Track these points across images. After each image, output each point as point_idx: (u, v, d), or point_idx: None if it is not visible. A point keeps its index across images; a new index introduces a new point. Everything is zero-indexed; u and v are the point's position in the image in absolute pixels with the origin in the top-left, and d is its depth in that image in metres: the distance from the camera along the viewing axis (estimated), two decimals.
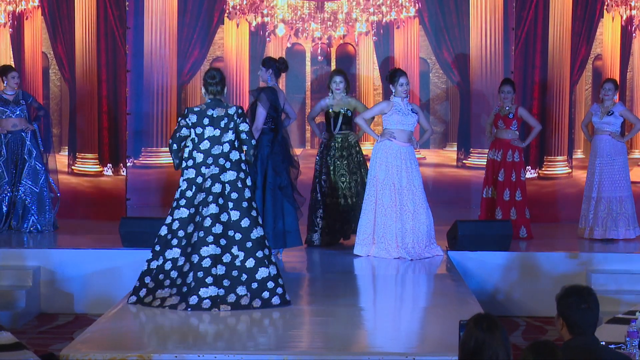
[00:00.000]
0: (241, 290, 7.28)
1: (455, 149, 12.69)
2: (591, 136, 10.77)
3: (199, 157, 7.43)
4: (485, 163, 11.13)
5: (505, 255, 9.72)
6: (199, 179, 7.43)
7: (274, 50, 12.50)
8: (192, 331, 6.79)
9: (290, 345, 6.31)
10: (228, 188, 7.41)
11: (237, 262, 7.30)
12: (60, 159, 12.45)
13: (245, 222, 7.39)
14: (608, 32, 12.43)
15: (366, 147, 12.14)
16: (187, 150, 7.53)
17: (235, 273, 7.29)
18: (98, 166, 12.32)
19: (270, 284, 7.33)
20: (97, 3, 12.19)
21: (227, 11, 12.68)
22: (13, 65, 11.77)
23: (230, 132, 7.46)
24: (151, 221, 10.00)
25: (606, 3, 12.32)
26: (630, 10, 12.39)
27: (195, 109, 7.52)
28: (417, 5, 12.55)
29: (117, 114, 12.18)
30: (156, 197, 12.73)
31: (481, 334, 4.15)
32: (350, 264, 9.46)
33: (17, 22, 12.57)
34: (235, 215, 7.38)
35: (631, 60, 12.43)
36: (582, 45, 12.29)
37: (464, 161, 12.62)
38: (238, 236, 7.34)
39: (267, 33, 12.72)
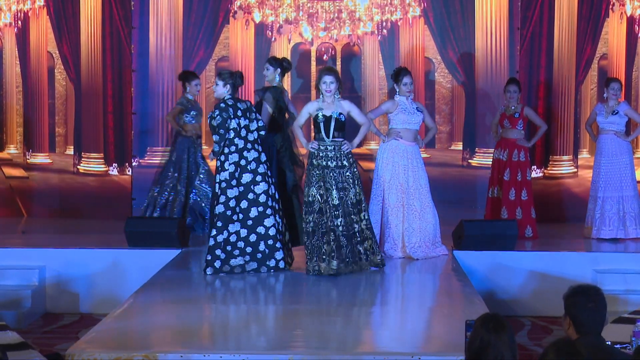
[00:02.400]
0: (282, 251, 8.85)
1: (461, 148, 12.69)
2: (596, 136, 10.75)
3: (241, 144, 8.67)
4: (490, 162, 11.12)
5: (511, 254, 9.71)
6: (243, 162, 8.66)
7: (279, 49, 12.50)
8: (197, 331, 6.79)
9: (295, 345, 6.30)
10: (265, 167, 8.83)
11: (281, 228, 8.85)
12: (66, 159, 12.47)
13: (277, 194, 8.91)
14: (613, 32, 12.42)
15: (371, 147, 12.15)
16: (228, 139, 8.69)
17: (280, 236, 8.79)
18: (103, 166, 12.34)
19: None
20: (102, 3, 12.21)
21: (233, 11, 12.69)
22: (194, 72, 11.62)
23: (255, 121, 8.83)
24: (156, 221, 10.02)
25: (611, 2, 12.30)
26: (635, 9, 12.37)
27: (230, 103, 8.71)
28: (422, 4, 12.55)
29: (123, 114, 12.20)
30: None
31: (487, 334, 4.14)
32: None
33: (23, 22, 12.59)
34: (272, 189, 8.83)
35: (637, 60, 12.41)
36: (588, 44, 12.28)
37: (469, 160, 12.62)
38: (277, 205, 8.85)
39: (272, 33, 12.72)
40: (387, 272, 9.12)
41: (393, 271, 9.15)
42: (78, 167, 12.40)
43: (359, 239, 8.81)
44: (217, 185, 8.65)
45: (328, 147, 8.78)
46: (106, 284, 9.57)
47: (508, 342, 4.16)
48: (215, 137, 8.68)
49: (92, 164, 12.36)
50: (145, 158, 12.65)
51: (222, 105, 8.67)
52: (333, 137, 8.78)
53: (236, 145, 8.66)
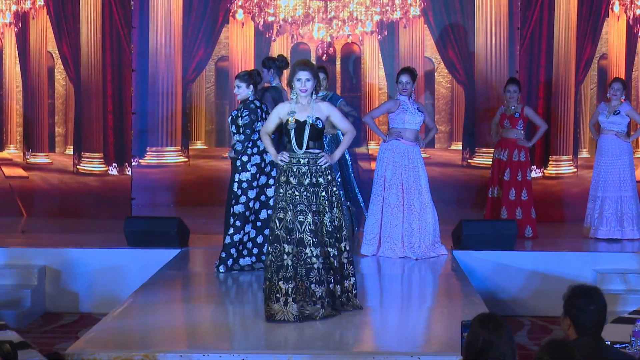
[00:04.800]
0: None
1: (461, 148, 12.69)
2: (598, 135, 10.74)
3: (262, 145, 8.63)
4: (490, 162, 11.13)
5: (510, 254, 9.71)
6: (262, 164, 8.78)
7: (278, 49, 12.50)
8: (197, 330, 6.79)
9: (295, 345, 6.30)
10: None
11: None
12: (66, 159, 12.47)
13: None
14: (613, 32, 12.42)
15: (371, 147, 12.14)
16: (251, 140, 8.75)
17: None
18: (103, 165, 12.33)
19: None
20: (102, 2, 12.19)
21: (232, 11, 12.69)
22: None
23: None
24: (156, 220, 10.01)
25: (611, 2, 12.30)
26: (635, 9, 12.37)
27: (257, 105, 8.78)
28: (422, 4, 12.55)
29: (122, 114, 12.19)
30: (161, 197, 12.75)
31: (488, 334, 4.14)
32: (356, 263, 9.43)
33: (23, 22, 12.58)
34: None
35: (636, 60, 12.41)
36: (588, 44, 12.28)
37: (469, 160, 12.62)
38: None
39: (271, 32, 12.72)
40: (387, 272, 9.13)
41: (392, 271, 9.15)
42: (78, 166, 12.40)
43: (338, 276, 7.09)
44: (236, 184, 8.73)
45: (301, 159, 7.03)
46: (106, 283, 9.57)
47: (508, 341, 4.16)
48: (239, 137, 8.71)
49: (92, 164, 12.35)
50: (145, 158, 12.65)
51: (252, 106, 8.74)
52: (307, 147, 7.03)
53: (258, 147, 8.75)
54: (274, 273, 6.88)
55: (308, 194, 6.96)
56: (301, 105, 7.05)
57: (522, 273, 9.65)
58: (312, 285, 6.86)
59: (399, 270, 9.18)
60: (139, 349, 6.07)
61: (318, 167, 7.02)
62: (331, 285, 6.97)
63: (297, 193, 6.97)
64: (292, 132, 7.00)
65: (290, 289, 6.82)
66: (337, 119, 7.18)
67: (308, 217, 6.93)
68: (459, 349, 5.33)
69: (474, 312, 6.02)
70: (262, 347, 6.27)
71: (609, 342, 4.92)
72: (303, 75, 6.99)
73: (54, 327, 9.02)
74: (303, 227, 6.91)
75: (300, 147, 7.00)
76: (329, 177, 7.06)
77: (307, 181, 6.99)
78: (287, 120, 7.03)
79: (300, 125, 7.00)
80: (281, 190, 6.99)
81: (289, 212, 6.93)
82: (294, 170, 7.02)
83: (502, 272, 9.65)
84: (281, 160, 7.05)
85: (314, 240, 6.89)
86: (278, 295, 6.82)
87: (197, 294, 8.32)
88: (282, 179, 7.03)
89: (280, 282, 6.84)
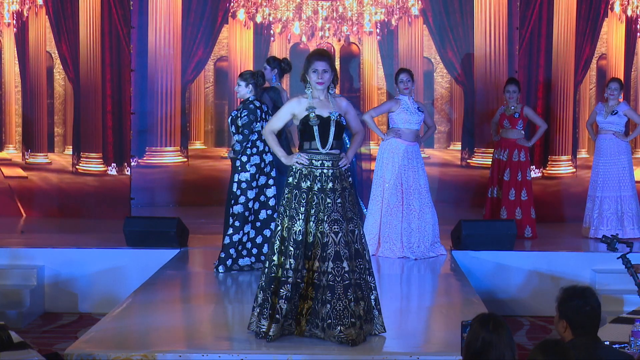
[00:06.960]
0: None
1: (460, 148, 12.69)
2: (596, 135, 10.76)
3: (261, 146, 8.80)
4: (489, 162, 11.13)
5: (510, 254, 9.71)
6: (262, 164, 8.82)
7: (278, 49, 12.52)
8: (196, 330, 6.80)
9: (294, 345, 6.30)
10: (276, 172, 8.93)
11: None
12: (65, 159, 12.46)
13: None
14: (612, 32, 12.42)
15: (370, 147, 12.14)
16: (250, 140, 8.80)
17: None
18: (102, 165, 12.33)
19: None
20: (101, 2, 12.17)
21: (232, 11, 12.69)
22: None
23: None
24: (155, 220, 10.02)
25: (610, 2, 12.30)
26: (634, 9, 12.38)
27: (257, 105, 8.81)
28: (421, 4, 12.56)
29: (122, 114, 12.18)
30: (160, 197, 12.76)
31: (488, 334, 4.15)
32: None
33: (22, 22, 12.58)
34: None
35: (635, 60, 12.41)
36: (587, 44, 12.28)
37: (468, 160, 12.62)
38: None
39: (271, 32, 12.73)
40: (386, 272, 9.12)
41: (392, 271, 9.15)
42: (77, 167, 12.39)
43: (359, 292, 6.33)
44: (235, 184, 8.76)
45: (325, 162, 6.30)
46: (105, 283, 9.57)
47: (508, 341, 4.17)
48: (238, 137, 8.75)
49: (91, 164, 12.35)
50: (144, 158, 12.65)
51: (251, 106, 8.79)
52: (331, 147, 6.32)
53: (257, 147, 8.81)
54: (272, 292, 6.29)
55: (329, 201, 6.20)
56: (319, 100, 6.36)
57: (521, 273, 9.66)
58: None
59: (398, 270, 9.18)
60: (138, 349, 6.07)
61: (341, 170, 6.32)
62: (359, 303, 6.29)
63: (315, 199, 6.22)
64: (316, 130, 6.26)
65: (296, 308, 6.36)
66: (351, 118, 6.51)
67: (325, 226, 6.18)
68: (458, 349, 5.33)
69: (473, 312, 6.03)
70: (262, 347, 6.27)
71: (607, 342, 4.93)
72: (320, 65, 6.30)
73: (53, 327, 9.02)
74: (322, 240, 6.19)
75: (324, 147, 6.27)
76: (350, 179, 6.41)
77: (329, 186, 6.24)
78: (308, 116, 6.29)
79: (324, 123, 6.29)
80: (299, 199, 6.26)
81: (310, 223, 6.22)
82: (317, 174, 6.27)
83: (502, 272, 9.65)
84: (299, 163, 6.28)
85: (344, 251, 6.18)
86: (278, 315, 6.30)
87: (196, 294, 8.32)
88: (301, 184, 6.26)
89: (281, 301, 6.28)
